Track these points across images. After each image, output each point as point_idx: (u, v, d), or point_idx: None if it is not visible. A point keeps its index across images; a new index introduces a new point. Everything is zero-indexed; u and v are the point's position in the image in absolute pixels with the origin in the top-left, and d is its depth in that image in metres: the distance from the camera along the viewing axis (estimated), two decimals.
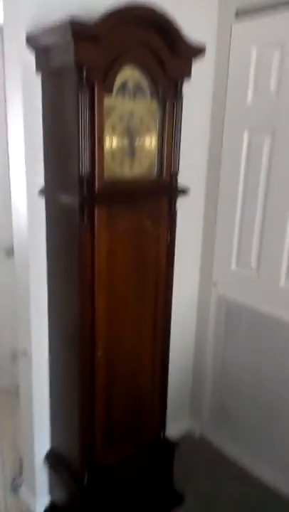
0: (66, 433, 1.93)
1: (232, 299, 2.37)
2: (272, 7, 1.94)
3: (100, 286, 1.66)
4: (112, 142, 1.58)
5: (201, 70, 2.01)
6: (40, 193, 1.74)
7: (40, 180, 1.73)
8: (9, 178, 1.83)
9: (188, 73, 1.67)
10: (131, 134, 1.64)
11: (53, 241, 1.78)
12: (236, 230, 2.30)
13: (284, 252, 2.10)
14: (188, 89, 1.73)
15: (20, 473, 2.24)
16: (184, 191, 1.82)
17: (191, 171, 2.22)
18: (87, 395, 1.75)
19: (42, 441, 2.04)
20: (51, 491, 2.09)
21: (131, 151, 1.65)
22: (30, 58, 1.60)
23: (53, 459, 2.02)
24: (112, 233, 1.64)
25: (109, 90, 1.48)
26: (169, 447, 2.11)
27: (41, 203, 1.76)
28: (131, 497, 1.99)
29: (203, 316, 2.54)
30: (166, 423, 2.11)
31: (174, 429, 2.48)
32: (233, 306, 2.39)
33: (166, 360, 2.01)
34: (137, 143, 1.66)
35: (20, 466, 2.24)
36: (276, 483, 2.29)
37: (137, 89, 1.62)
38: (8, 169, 1.83)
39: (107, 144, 1.55)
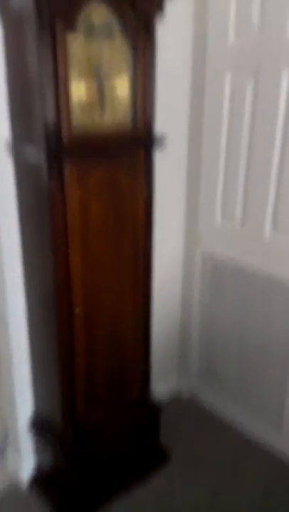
0: (48, 395, 1.91)
1: (217, 252, 2.32)
2: None
3: (74, 242, 1.59)
4: (79, 88, 1.46)
5: (178, 11, 1.88)
6: (6, 147, 1.63)
7: (5, 134, 1.63)
8: None
9: (159, 7, 1.52)
10: (100, 79, 1.52)
11: (23, 199, 1.69)
12: (221, 181, 2.22)
13: (268, 202, 2.03)
14: (164, 29, 1.60)
15: (6, 437, 2.24)
16: (160, 141, 1.71)
17: (172, 120, 2.12)
18: (67, 353, 1.71)
19: (24, 405, 2.02)
20: (37, 453, 2.08)
21: (101, 97, 1.54)
22: None
23: (37, 422, 2.01)
24: (84, 188, 1.56)
25: (72, 26, 1.35)
26: (155, 407, 2.09)
27: (8, 159, 1.66)
28: (116, 456, 2.00)
29: (188, 271, 2.50)
30: (154, 382, 2.08)
31: (162, 387, 2.48)
32: (218, 261, 2.34)
33: (148, 315, 1.95)
34: (107, 89, 1.54)
35: (5, 430, 2.24)
36: (264, 437, 2.32)
37: (105, 29, 1.48)
38: None
39: (73, 90, 1.43)
